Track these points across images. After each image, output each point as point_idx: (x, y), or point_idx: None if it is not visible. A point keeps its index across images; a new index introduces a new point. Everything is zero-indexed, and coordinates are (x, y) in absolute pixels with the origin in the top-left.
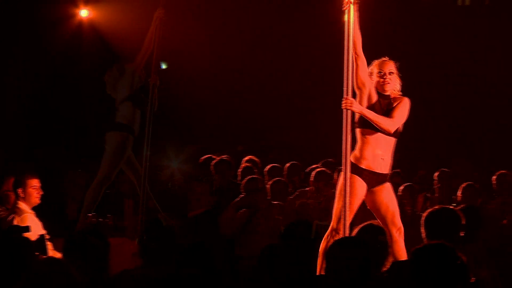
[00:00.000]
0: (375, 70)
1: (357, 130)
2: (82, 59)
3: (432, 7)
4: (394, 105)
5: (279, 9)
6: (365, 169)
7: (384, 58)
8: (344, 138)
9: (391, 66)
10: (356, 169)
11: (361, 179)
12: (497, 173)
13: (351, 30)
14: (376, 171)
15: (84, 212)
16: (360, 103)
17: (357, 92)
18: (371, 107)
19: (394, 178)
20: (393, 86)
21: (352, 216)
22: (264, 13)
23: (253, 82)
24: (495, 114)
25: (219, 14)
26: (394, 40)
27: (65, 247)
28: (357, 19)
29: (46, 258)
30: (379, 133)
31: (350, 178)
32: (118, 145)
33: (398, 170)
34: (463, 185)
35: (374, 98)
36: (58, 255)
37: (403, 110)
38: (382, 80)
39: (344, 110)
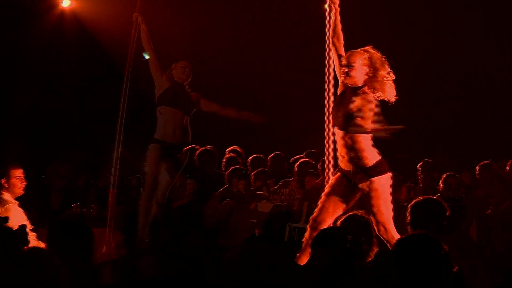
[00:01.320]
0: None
1: None
2: (64, 49)
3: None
4: (356, 101)
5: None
6: (339, 168)
7: (359, 49)
8: (326, 132)
9: (354, 58)
10: (336, 167)
11: (339, 176)
12: (480, 163)
13: (332, 20)
14: (343, 168)
15: None
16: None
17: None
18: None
19: None
20: (352, 79)
21: (323, 210)
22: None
23: (237, 74)
24: (477, 106)
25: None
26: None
27: (49, 237)
28: (338, 15)
29: (30, 248)
30: (335, 132)
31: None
32: None
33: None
34: (444, 175)
35: (341, 88)
36: (42, 245)
37: (366, 109)
38: (340, 71)
39: (327, 104)
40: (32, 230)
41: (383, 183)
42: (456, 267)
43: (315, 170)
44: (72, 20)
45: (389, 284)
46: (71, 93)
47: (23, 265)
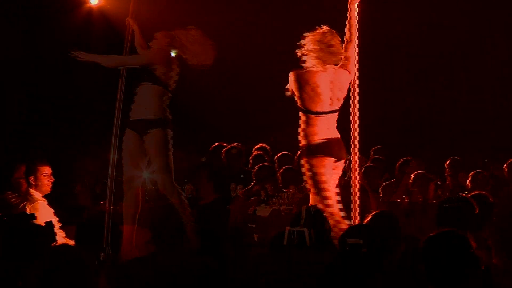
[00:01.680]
0: None
1: None
2: (91, 46)
3: None
4: None
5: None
6: None
7: None
8: (352, 131)
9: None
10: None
11: None
12: (509, 161)
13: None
14: None
15: None
16: None
17: None
18: None
19: (405, 166)
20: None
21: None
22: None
23: (253, 72)
24: (505, 103)
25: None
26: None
27: (77, 234)
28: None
29: (60, 245)
30: None
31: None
32: None
33: (409, 158)
34: (472, 173)
35: None
36: (70, 242)
37: None
38: None
39: (352, 98)
40: (60, 227)
41: (310, 163)
42: (484, 265)
43: None
44: (99, 17)
45: (417, 281)
46: (97, 90)
47: (54, 263)
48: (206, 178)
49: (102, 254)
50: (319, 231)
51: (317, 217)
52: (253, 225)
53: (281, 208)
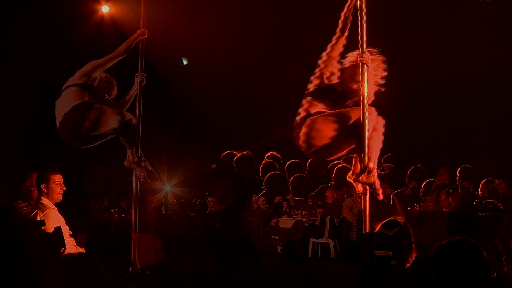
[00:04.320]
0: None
1: None
2: (103, 54)
3: None
4: None
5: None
6: None
7: None
8: (363, 139)
9: None
10: None
11: None
12: None
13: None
14: None
15: None
16: None
17: None
18: None
19: (416, 173)
20: None
21: None
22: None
23: (263, 77)
24: None
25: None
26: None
27: (88, 243)
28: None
29: (76, 254)
30: None
31: None
32: None
33: (419, 165)
34: (483, 181)
35: None
36: (80, 250)
37: None
38: None
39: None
40: (71, 235)
41: None
42: (495, 273)
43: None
44: (111, 25)
45: None
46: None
47: (69, 271)
48: (230, 188)
49: (130, 267)
50: (345, 242)
51: (343, 227)
52: (276, 237)
53: (303, 220)
